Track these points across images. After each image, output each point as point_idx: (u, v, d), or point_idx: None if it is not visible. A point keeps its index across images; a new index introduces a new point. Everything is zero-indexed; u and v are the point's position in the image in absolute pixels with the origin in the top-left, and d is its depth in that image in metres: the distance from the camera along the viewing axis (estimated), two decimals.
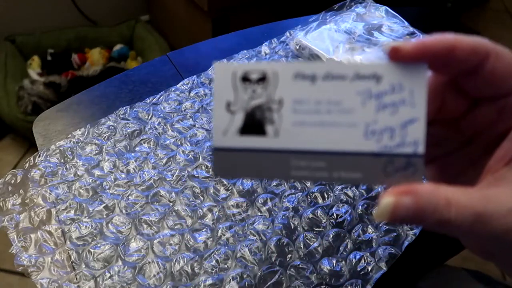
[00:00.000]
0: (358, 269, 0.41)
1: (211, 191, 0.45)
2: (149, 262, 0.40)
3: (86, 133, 0.50)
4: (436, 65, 0.19)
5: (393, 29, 0.62)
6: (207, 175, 0.47)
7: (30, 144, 1.31)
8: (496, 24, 1.87)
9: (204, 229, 0.42)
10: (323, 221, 0.44)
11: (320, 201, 0.45)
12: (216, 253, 0.41)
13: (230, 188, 0.46)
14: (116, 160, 0.48)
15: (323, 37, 0.61)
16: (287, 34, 0.64)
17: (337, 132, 0.19)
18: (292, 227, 0.43)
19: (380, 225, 0.44)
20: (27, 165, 0.47)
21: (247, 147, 0.20)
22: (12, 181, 0.46)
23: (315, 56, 0.59)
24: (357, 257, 0.41)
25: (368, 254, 0.41)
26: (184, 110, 0.54)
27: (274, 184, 0.46)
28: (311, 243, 0.42)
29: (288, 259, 0.41)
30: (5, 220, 0.42)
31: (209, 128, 0.52)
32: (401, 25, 0.63)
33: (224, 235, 0.42)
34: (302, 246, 0.42)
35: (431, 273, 0.42)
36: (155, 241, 0.41)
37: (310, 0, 0.95)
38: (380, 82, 0.19)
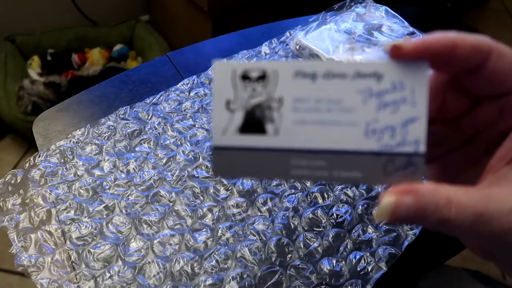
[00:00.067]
0: (358, 269, 0.41)
1: (211, 191, 0.45)
2: (149, 262, 0.40)
3: (86, 133, 0.50)
4: (437, 63, 0.19)
5: (393, 29, 0.62)
6: (207, 175, 0.47)
7: (30, 144, 1.31)
8: (496, 24, 1.87)
9: (204, 229, 0.42)
10: (323, 221, 0.44)
11: (320, 201, 0.45)
12: (216, 253, 0.41)
13: (230, 188, 0.46)
14: (116, 160, 0.48)
15: (323, 37, 0.61)
16: (287, 34, 0.64)
17: (338, 131, 0.19)
18: (292, 227, 0.43)
19: (380, 225, 0.44)
20: (27, 165, 0.47)
21: (246, 146, 0.19)
22: (12, 181, 0.46)
23: (315, 56, 0.59)
24: (357, 257, 0.41)
25: (368, 254, 0.41)
26: (184, 110, 0.54)
27: (274, 184, 0.46)
28: (311, 243, 0.42)
29: (288, 259, 0.41)
30: (5, 220, 0.42)
31: (209, 128, 0.52)
32: (401, 25, 0.63)
33: (224, 235, 0.42)
34: (302, 246, 0.42)
35: (431, 273, 0.42)
36: (155, 241, 0.41)
37: (310, 0, 0.95)
38: (381, 81, 0.19)
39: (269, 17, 0.95)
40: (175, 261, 0.40)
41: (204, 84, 0.57)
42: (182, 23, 1.38)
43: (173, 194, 0.45)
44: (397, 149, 0.19)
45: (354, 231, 0.43)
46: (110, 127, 0.51)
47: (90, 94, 0.56)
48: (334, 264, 0.41)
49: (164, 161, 0.48)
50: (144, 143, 0.50)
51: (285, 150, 0.19)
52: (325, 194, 0.46)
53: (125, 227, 0.42)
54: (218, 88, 0.20)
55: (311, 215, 0.44)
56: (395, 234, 0.43)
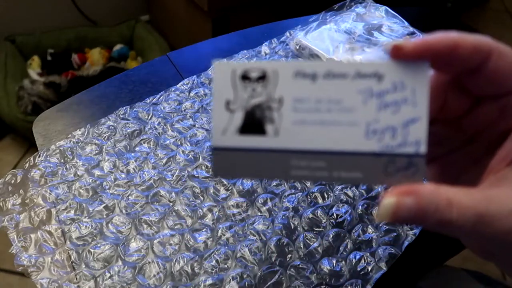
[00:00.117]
0: (358, 269, 0.41)
1: (211, 191, 0.45)
2: (149, 262, 0.40)
3: (86, 133, 0.50)
4: (438, 63, 0.19)
5: (393, 29, 0.62)
6: (207, 175, 0.47)
7: (30, 144, 1.31)
8: (496, 24, 1.87)
9: (204, 229, 0.42)
10: (323, 221, 0.44)
11: (320, 201, 0.45)
12: (216, 253, 0.41)
13: (230, 188, 0.46)
14: (116, 160, 0.48)
15: (323, 37, 0.60)
16: (287, 34, 0.64)
17: (338, 131, 0.19)
18: (292, 227, 0.43)
19: (380, 225, 0.44)
20: (27, 165, 0.47)
21: (246, 147, 0.19)
22: (12, 181, 0.46)
23: (315, 56, 0.59)
24: (357, 257, 0.41)
25: (368, 254, 0.41)
26: (184, 110, 0.54)
27: (274, 184, 0.46)
28: (311, 243, 0.42)
29: (288, 259, 0.41)
30: (5, 220, 0.42)
31: (209, 128, 0.52)
32: (401, 25, 0.63)
33: (224, 235, 0.42)
34: (302, 246, 0.42)
35: (431, 273, 0.42)
36: (155, 241, 0.41)
37: (310, 0, 0.95)
38: (381, 81, 0.19)
39: (269, 17, 0.95)
40: (175, 261, 0.40)
41: (204, 84, 0.57)
42: (182, 23, 1.38)
43: (173, 194, 0.45)
44: (398, 150, 0.19)
45: (354, 231, 0.43)
46: (110, 127, 0.51)
47: (90, 94, 0.56)
48: (334, 264, 0.41)
49: (164, 161, 0.48)
50: (144, 143, 0.50)
51: (285, 151, 0.19)
52: (325, 194, 0.46)
53: (125, 227, 0.42)
54: (218, 88, 0.20)
55: (311, 215, 0.44)
56: (395, 234, 0.43)
